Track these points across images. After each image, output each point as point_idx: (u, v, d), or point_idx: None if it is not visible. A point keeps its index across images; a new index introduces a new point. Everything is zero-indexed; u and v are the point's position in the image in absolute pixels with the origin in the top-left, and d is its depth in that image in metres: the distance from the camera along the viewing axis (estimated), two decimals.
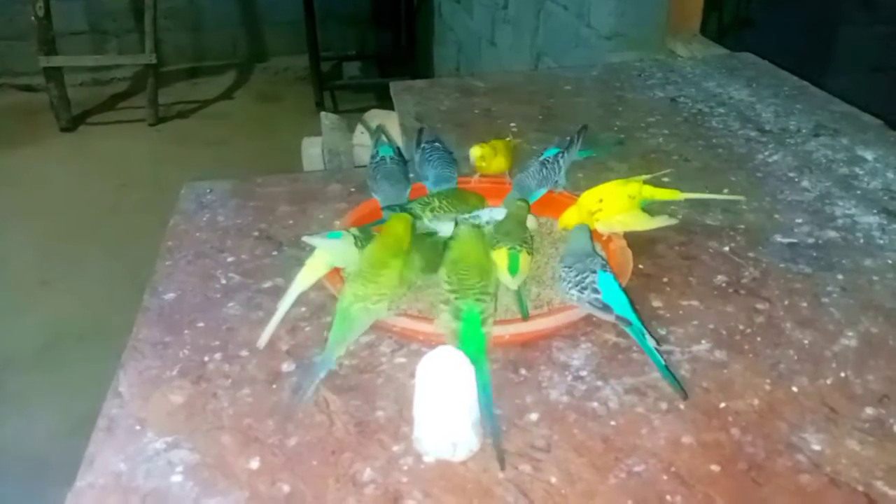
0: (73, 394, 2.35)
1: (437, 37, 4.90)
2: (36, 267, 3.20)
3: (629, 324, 0.91)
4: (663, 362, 0.89)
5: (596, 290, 0.92)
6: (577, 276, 0.95)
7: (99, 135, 4.60)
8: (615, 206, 1.09)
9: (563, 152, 1.23)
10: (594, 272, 0.94)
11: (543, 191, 1.20)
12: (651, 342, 0.89)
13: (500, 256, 0.99)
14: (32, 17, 4.29)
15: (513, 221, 1.08)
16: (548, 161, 1.21)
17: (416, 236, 1.06)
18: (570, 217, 1.11)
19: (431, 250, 1.04)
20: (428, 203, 1.13)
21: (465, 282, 0.93)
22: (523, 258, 0.99)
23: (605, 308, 0.92)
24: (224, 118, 4.80)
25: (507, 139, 1.34)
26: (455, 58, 4.45)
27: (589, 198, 1.10)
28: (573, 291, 0.94)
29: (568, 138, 1.27)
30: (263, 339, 0.95)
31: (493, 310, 0.91)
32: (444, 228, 1.09)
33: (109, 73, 5.17)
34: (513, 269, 0.98)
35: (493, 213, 1.12)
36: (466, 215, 1.11)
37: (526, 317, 0.96)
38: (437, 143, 1.29)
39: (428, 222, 1.11)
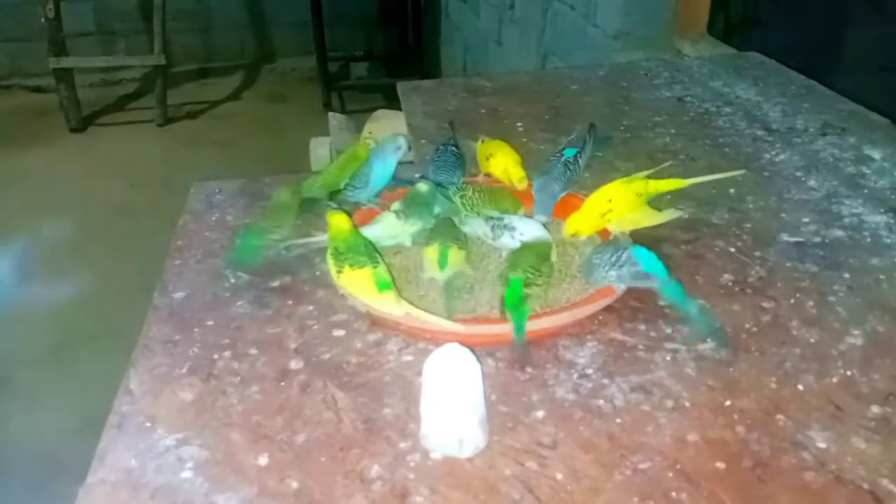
0: (83, 392, 2.37)
1: (445, 37, 4.91)
2: (45, 265, 3.22)
3: (672, 283, 0.94)
4: (710, 323, 0.94)
5: (634, 263, 0.95)
6: (610, 256, 0.96)
7: (108, 135, 4.63)
8: (624, 205, 1.09)
9: (580, 152, 1.22)
10: (625, 248, 0.97)
11: (563, 193, 1.18)
12: (695, 305, 0.94)
13: (431, 252, 1.02)
14: (42, 19, 4.32)
15: (447, 223, 1.10)
16: (569, 162, 1.19)
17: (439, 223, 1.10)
18: (578, 222, 1.11)
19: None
20: (462, 190, 1.15)
21: (519, 258, 0.98)
22: (453, 253, 1.01)
23: (649, 277, 0.95)
24: (232, 119, 4.83)
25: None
26: (462, 58, 4.46)
27: (597, 200, 1.10)
28: (612, 272, 0.96)
29: (572, 137, 1.27)
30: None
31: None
32: (473, 227, 1.11)
33: (119, 73, 5.21)
34: (442, 263, 1.00)
35: (522, 223, 1.09)
36: (496, 218, 1.10)
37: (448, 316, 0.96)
38: (452, 146, 1.28)
39: (463, 218, 1.13)
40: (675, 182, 1.16)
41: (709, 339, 0.94)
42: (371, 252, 0.99)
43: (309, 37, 4.87)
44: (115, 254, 3.23)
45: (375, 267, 0.96)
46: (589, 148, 1.25)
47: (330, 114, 2.70)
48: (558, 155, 1.22)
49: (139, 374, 0.92)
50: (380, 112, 2.56)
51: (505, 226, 1.08)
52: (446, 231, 1.06)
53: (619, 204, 1.08)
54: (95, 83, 5.12)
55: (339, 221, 1.02)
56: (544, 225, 1.10)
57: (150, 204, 3.51)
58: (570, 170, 1.19)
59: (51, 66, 4.39)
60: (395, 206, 1.12)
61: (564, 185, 1.17)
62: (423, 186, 1.14)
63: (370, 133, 2.38)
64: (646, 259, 0.96)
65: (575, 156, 1.21)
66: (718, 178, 1.25)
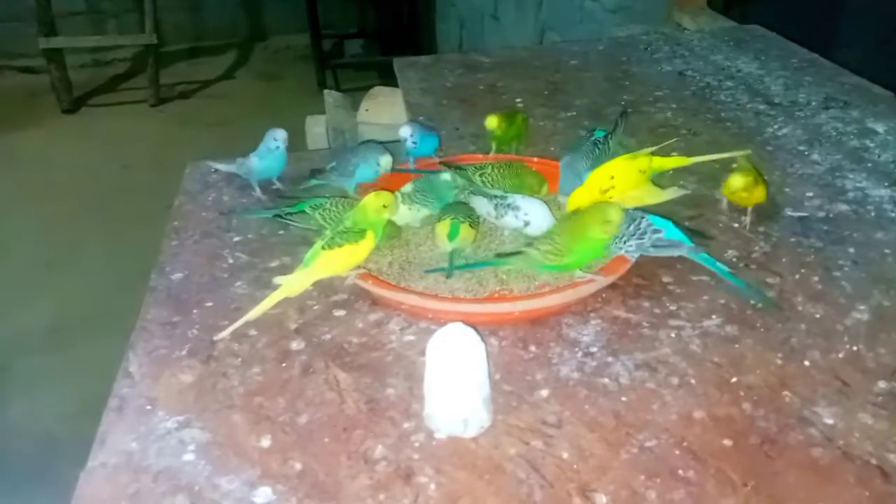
0: (81, 375, 2.35)
1: (440, 12, 4.85)
2: (41, 249, 3.20)
3: (701, 250, 0.95)
4: (743, 281, 0.94)
5: (657, 231, 0.95)
6: (629, 227, 0.95)
7: (101, 116, 4.59)
8: (627, 181, 1.07)
9: (610, 134, 1.18)
10: (643, 217, 0.96)
11: (588, 172, 1.12)
12: (725, 268, 0.95)
13: (443, 226, 1.01)
14: None
15: (460, 202, 1.09)
16: (598, 141, 1.16)
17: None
18: (580, 197, 1.09)
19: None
20: (481, 168, 1.13)
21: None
22: (464, 228, 1.01)
23: (673, 244, 0.95)
24: (226, 98, 4.78)
25: (522, 116, 1.31)
26: (458, 34, 4.40)
27: (599, 175, 1.08)
28: (632, 242, 0.95)
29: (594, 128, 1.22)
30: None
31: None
32: (476, 206, 1.10)
33: (110, 53, 5.14)
34: (452, 235, 1.00)
35: (526, 202, 1.08)
36: (500, 197, 1.08)
37: (450, 274, 0.98)
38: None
39: (464, 195, 1.12)
40: (679, 160, 1.15)
41: (753, 301, 0.95)
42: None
43: (301, 14, 4.81)
44: (111, 235, 3.20)
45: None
46: (619, 132, 1.21)
47: (326, 91, 2.66)
48: (588, 134, 1.19)
49: (138, 356, 0.91)
50: (376, 89, 2.52)
51: (509, 205, 1.06)
52: (459, 208, 1.05)
53: (622, 180, 1.06)
54: (87, 64, 5.06)
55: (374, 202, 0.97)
56: (550, 204, 1.08)
57: (144, 185, 3.47)
58: (598, 149, 1.15)
59: (41, 46, 4.33)
60: (406, 187, 1.10)
61: (591, 164, 1.12)
62: (445, 176, 1.12)
63: (367, 111, 2.35)
64: (665, 227, 0.96)
65: (605, 136, 1.17)
66: (724, 157, 1.23)
